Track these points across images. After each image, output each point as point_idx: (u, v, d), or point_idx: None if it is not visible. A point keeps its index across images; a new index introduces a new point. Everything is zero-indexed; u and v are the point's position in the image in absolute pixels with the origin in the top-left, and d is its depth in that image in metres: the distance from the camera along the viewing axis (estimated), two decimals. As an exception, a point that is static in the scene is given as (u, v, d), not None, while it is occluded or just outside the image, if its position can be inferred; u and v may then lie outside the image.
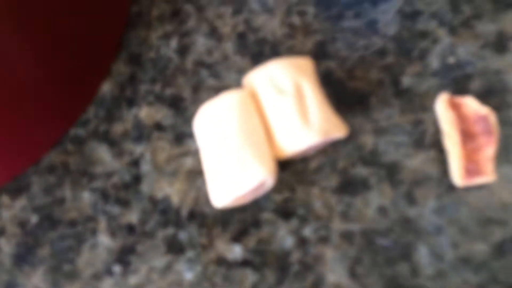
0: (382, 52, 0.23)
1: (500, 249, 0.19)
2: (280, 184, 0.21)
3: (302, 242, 0.20)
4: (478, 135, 0.21)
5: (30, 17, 0.19)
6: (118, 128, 0.23)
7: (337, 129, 0.19)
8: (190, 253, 0.20)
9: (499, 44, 0.23)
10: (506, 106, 0.22)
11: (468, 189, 0.20)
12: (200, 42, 0.24)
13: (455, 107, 0.21)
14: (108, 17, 0.24)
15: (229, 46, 0.24)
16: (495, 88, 0.22)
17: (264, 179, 0.18)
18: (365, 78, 0.23)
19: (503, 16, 0.24)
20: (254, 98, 0.20)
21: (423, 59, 0.23)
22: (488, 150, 0.20)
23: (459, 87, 0.22)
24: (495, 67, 0.22)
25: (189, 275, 0.20)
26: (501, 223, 0.19)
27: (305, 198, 0.21)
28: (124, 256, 0.20)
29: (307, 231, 0.20)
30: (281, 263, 0.20)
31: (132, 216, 0.21)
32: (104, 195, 0.21)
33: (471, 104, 0.21)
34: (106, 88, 0.24)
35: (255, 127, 0.19)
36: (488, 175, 0.20)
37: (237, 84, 0.23)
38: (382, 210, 0.20)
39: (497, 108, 0.22)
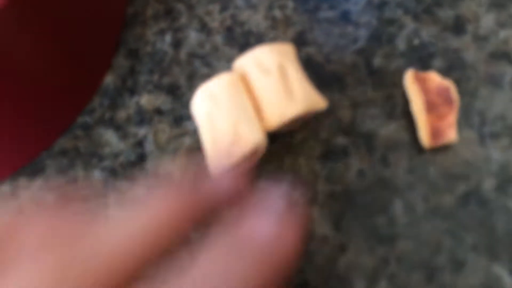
0: (355, 39, 0.26)
1: (464, 200, 0.22)
2: (270, 156, 0.23)
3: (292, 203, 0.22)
4: (441, 104, 0.23)
5: (42, 24, 0.22)
6: (122, 114, 0.25)
7: (317, 102, 0.22)
8: (193, 219, 0.22)
9: (457, 27, 0.26)
10: (465, 79, 0.25)
11: (435, 151, 0.23)
12: (192, 36, 0.27)
13: (421, 81, 0.24)
14: (107, 18, 0.26)
15: (218, 39, 0.27)
16: (454, 64, 0.25)
17: (255, 146, 0.20)
18: (341, 62, 0.26)
19: (460, 2, 0.27)
20: (243, 79, 0.22)
21: (391, 43, 0.26)
22: (450, 116, 0.23)
23: (423, 65, 0.25)
24: (454, 46, 0.25)
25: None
26: (465, 178, 0.22)
27: (293, 166, 0.23)
28: (134, 224, 0.22)
29: (297, 194, 0.23)
30: (275, 222, 0.22)
31: (139, 191, 0.23)
32: (113, 173, 0.24)
33: (434, 78, 0.24)
34: (109, 80, 0.26)
35: (245, 104, 0.21)
36: (450, 138, 0.23)
37: (228, 71, 0.26)
38: (361, 173, 0.23)
39: (457, 81, 0.25)
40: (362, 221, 0.22)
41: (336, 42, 0.26)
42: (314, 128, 0.24)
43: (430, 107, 0.23)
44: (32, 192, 0.23)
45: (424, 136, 0.23)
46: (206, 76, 0.26)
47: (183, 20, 0.27)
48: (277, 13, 0.27)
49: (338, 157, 0.23)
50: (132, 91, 0.26)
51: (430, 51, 0.25)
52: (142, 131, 0.24)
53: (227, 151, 0.20)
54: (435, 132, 0.23)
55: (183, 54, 0.26)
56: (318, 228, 0.22)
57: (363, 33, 0.26)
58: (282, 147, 0.24)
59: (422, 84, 0.24)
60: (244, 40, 0.26)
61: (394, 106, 0.24)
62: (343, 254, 0.21)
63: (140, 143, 0.24)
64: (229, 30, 0.27)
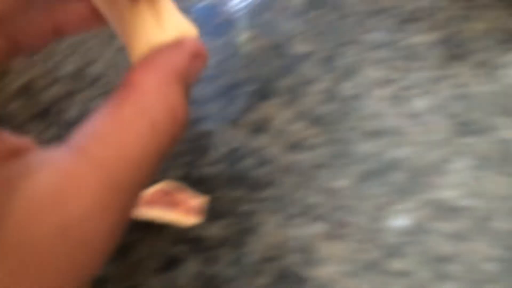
0: (183, 157, 0.31)
1: (278, 279, 0.27)
2: (115, 276, 0.27)
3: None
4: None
5: None
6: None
7: (188, 29, 0.20)
8: None
9: (258, 129, 0.32)
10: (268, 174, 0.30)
11: (253, 241, 0.28)
12: None
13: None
14: None
15: None
16: (264, 161, 0.31)
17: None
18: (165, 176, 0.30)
19: (260, 106, 0.33)
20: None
21: (208, 152, 0.31)
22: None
23: (237, 170, 0.30)
24: (255, 145, 0.31)
25: None
26: (275, 258, 0.27)
27: (135, 282, 0.27)
28: None
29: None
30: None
31: None
32: None
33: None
34: None
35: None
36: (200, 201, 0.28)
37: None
38: (197, 276, 0.27)
39: (268, 175, 0.30)
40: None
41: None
42: (149, 243, 0.28)
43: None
44: None
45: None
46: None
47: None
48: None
49: (176, 265, 0.27)
50: None
51: (240, 153, 0.31)
52: None
53: None
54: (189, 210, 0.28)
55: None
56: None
57: (188, 147, 0.31)
58: (127, 264, 0.28)
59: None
60: None
61: (215, 209, 0.29)
62: None
63: None
64: None
